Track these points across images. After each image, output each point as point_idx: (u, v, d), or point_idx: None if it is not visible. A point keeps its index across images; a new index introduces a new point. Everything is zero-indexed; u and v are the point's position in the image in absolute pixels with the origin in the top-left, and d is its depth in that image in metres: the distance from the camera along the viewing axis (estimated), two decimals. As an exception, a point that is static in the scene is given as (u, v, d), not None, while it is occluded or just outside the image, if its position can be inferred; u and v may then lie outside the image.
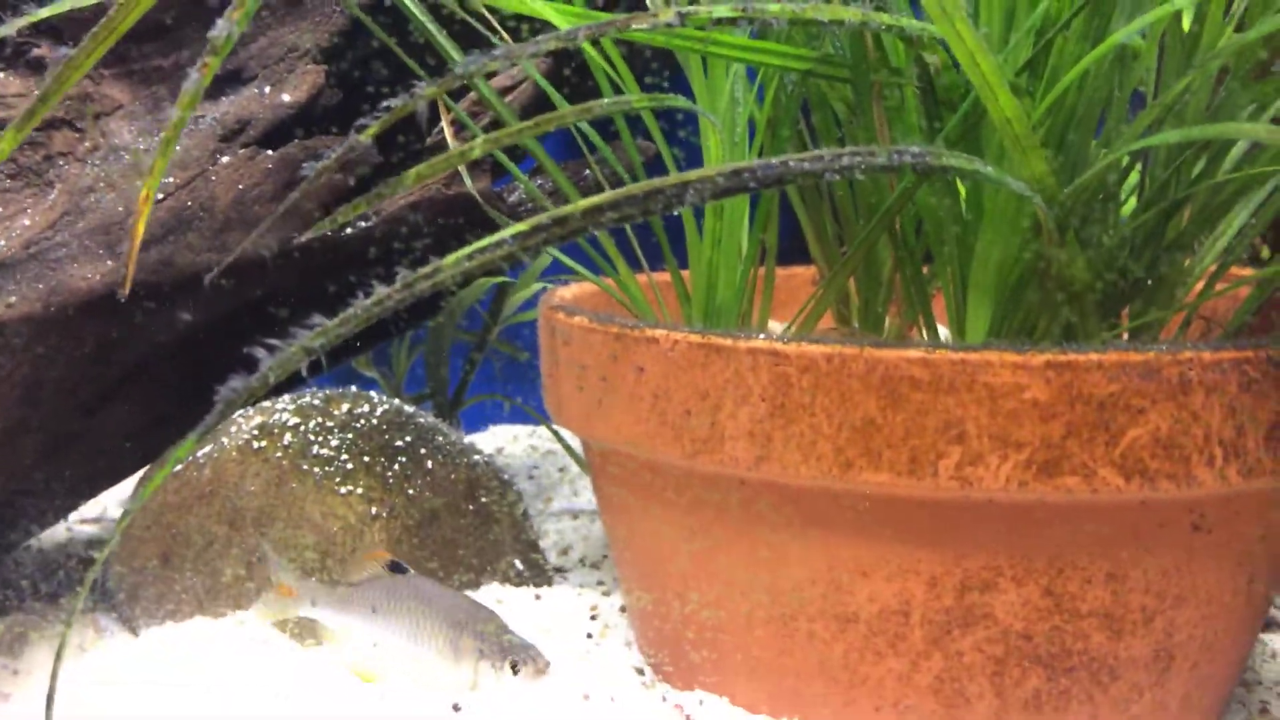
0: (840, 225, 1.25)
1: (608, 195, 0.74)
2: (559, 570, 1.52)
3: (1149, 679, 0.99)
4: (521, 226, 0.75)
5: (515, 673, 0.98)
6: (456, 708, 1.00)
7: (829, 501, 0.96)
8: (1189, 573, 0.96)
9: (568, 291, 1.29)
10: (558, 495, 1.87)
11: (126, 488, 1.70)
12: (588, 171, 1.46)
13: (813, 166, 0.76)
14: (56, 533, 1.60)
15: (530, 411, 1.69)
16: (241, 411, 1.28)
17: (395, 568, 1.07)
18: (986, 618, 0.96)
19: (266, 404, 1.29)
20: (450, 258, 0.76)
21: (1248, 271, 1.40)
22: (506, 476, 1.43)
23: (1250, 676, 1.22)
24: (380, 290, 0.77)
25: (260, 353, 0.76)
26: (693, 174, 0.74)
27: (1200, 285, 1.15)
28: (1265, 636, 1.32)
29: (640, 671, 1.19)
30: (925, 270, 1.15)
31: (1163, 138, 0.92)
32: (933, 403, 0.89)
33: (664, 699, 1.08)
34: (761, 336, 0.95)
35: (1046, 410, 0.88)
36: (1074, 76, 0.96)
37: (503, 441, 2.19)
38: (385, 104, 0.93)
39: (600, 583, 1.44)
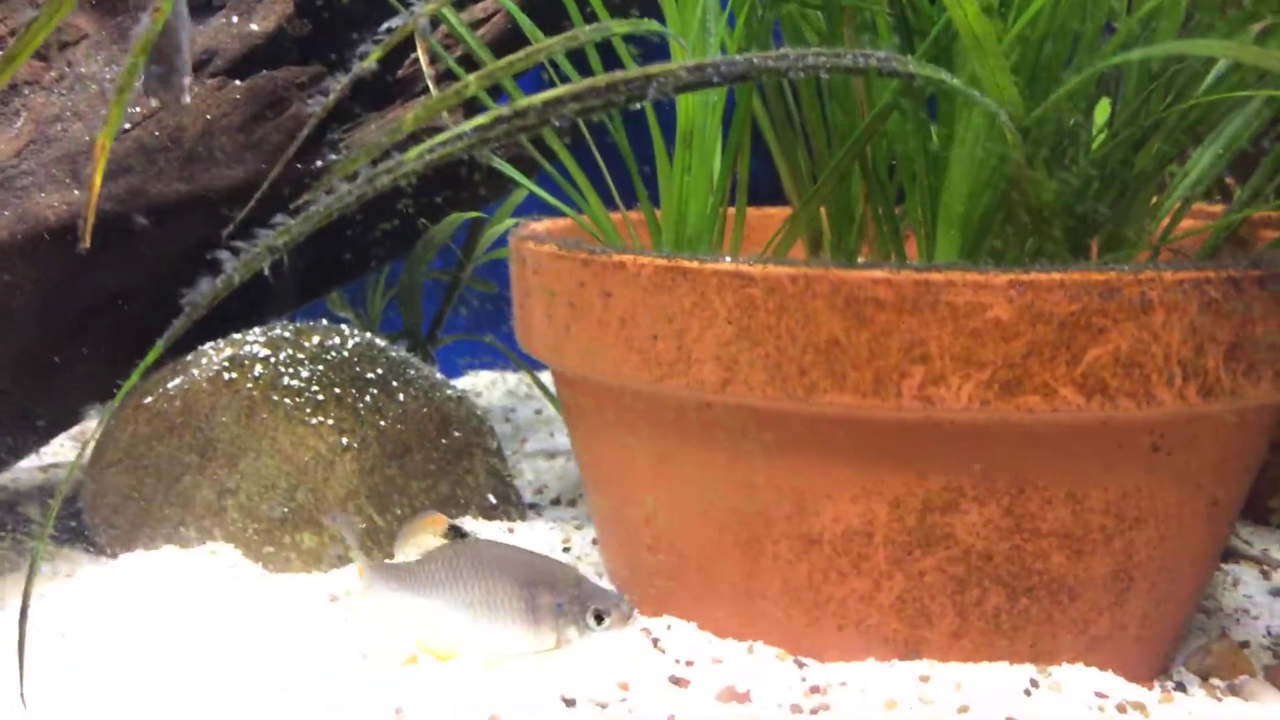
0: (815, 163, 1.25)
1: (569, 87, 0.74)
2: (533, 508, 1.53)
3: (1108, 599, 1.00)
4: (481, 119, 0.75)
5: (600, 623, 0.94)
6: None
7: (794, 423, 0.97)
8: (1148, 494, 0.97)
9: (541, 226, 1.29)
10: (534, 437, 1.88)
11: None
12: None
13: (777, 64, 0.75)
14: (33, 476, 1.60)
15: (506, 352, 1.69)
16: (212, 343, 1.28)
17: (455, 532, 1.02)
18: (948, 538, 0.97)
19: (237, 336, 1.29)
20: (412, 151, 0.76)
21: (1218, 209, 1.41)
22: (480, 411, 1.44)
23: (1211, 604, 1.24)
24: (342, 187, 0.77)
25: (224, 255, 0.76)
26: (655, 68, 0.73)
27: (1168, 219, 1.16)
28: (1228, 566, 1.34)
29: (610, 599, 1.20)
30: (898, 210, 1.15)
31: (1128, 56, 0.92)
32: (896, 323, 0.90)
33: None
34: (727, 259, 0.95)
35: (1008, 329, 0.89)
36: (1044, 1, 0.96)
37: (481, 386, 2.19)
38: (385, 27, 0.91)
39: (575, 519, 1.45)
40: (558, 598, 0.95)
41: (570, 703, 0.92)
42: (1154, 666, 1.07)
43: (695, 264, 0.96)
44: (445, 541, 1.01)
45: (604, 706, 0.92)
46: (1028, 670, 0.98)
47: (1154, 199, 1.16)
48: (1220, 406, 0.93)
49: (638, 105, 0.76)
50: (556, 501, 1.57)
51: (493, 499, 1.40)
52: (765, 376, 0.94)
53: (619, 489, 1.14)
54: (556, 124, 0.75)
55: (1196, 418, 0.94)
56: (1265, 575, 1.31)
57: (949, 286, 0.89)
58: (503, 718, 0.88)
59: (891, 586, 1.00)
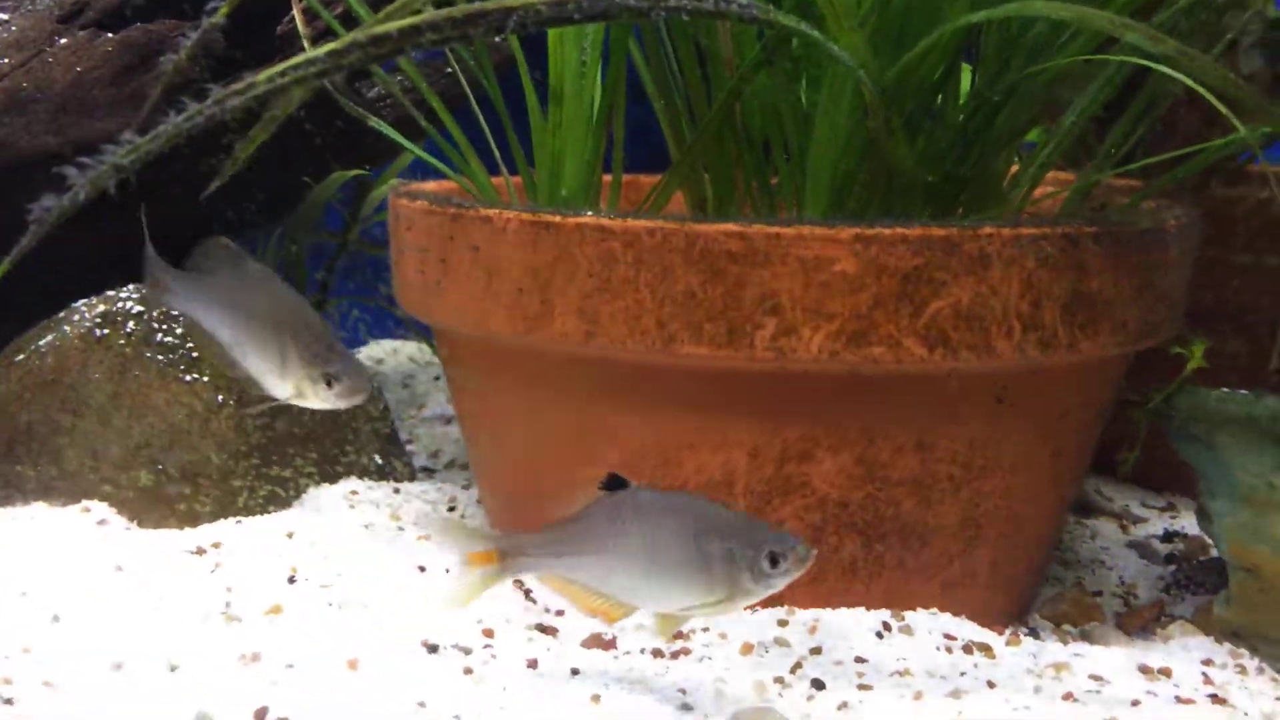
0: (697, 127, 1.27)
1: (426, 16, 0.74)
2: (428, 470, 1.53)
3: (958, 546, 1.04)
4: (335, 45, 0.75)
5: (776, 566, 0.85)
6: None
7: (656, 375, 0.99)
8: (994, 444, 1.01)
9: (429, 187, 1.29)
10: (431, 403, 1.88)
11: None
12: (449, 70, 1.45)
13: (637, 4, 0.77)
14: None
15: (396, 312, 1.69)
16: (85, 300, 1.26)
17: (613, 483, 0.89)
18: (804, 486, 1.00)
19: (110, 293, 1.27)
20: (263, 74, 0.76)
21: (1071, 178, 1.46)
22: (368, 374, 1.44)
23: (1070, 556, 1.29)
24: (193, 106, 0.77)
25: (72, 172, 0.75)
26: (516, 1, 0.74)
27: (1028, 185, 1.20)
28: (1090, 521, 1.40)
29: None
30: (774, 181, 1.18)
31: (969, 18, 0.95)
32: (749, 276, 0.92)
33: (503, 575, 1.11)
34: (589, 213, 0.96)
35: (855, 282, 0.92)
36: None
37: (382, 354, 2.18)
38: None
39: (465, 481, 1.46)
40: (729, 543, 0.86)
41: (433, 649, 0.93)
42: (1008, 612, 1.12)
43: (558, 218, 0.97)
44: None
45: (467, 652, 0.94)
46: (883, 615, 1.02)
47: (1014, 164, 1.20)
48: (1059, 359, 0.97)
49: (499, 38, 0.76)
50: (451, 465, 1.58)
51: (378, 460, 1.40)
52: (626, 329, 0.96)
53: (494, 442, 1.16)
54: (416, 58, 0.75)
55: (1038, 370, 0.99)
56: (1124, 529, 1.38)
57: (799, 240, 0.92)
58: (362, 663, 0.89)
59: (751, 535, 1.02)
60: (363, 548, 1.11)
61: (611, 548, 0.87)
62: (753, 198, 1.19)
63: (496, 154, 1.27)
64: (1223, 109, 0.95)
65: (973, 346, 0.94)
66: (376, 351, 2.16)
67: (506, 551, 0.88)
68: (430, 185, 1.29)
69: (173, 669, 0.86)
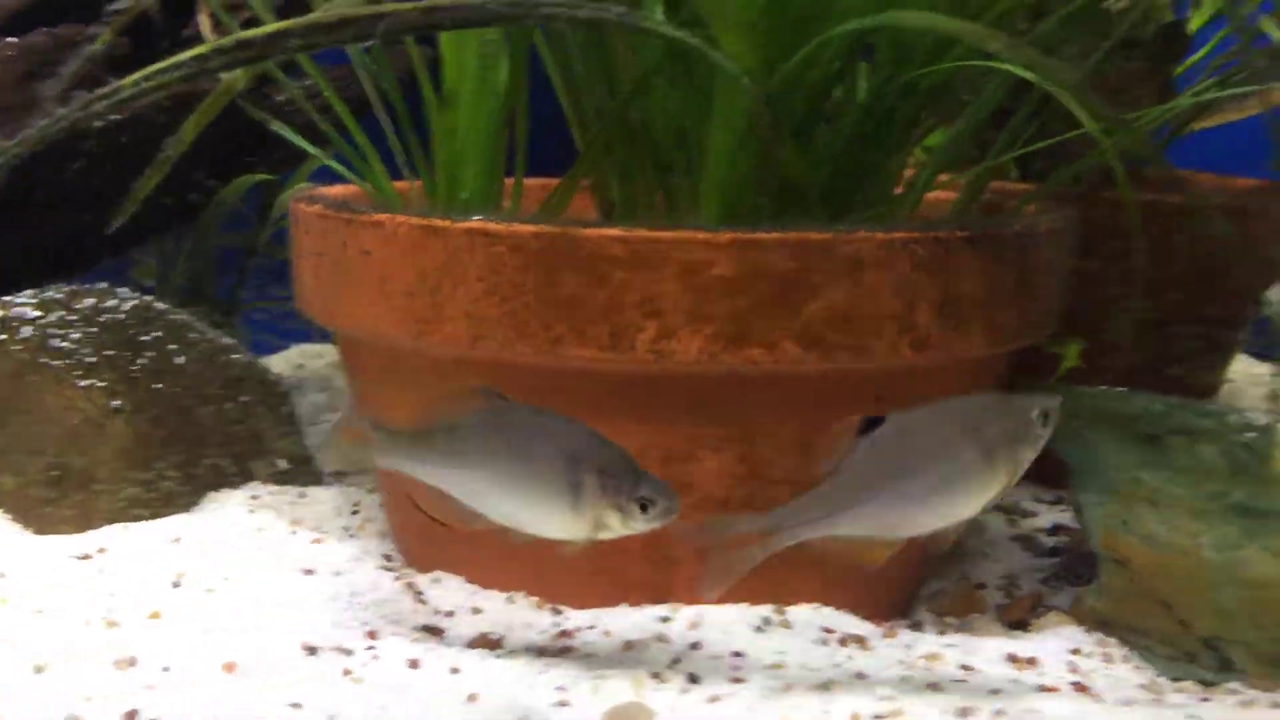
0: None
1: (296, 20, 0.75)
2: (341, 474, 1.53)
3: (839, 543, 1.07)
4: (202, 49, 0.76)
5: (644, 511, 0.84)
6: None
7: (544, 377, 1.01)
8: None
9: (334, 191, 1.29)
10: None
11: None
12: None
13: (509, 11, 0.78)
14: None
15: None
16: (-21, 305, 1.25)
17: (490, 395, 0.87)
18: (688, 486, 1.02)
19: (7, 298, 1.26)
20: (128, 79, 0.76)
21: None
22: (273, 377, 1.44)
23: (957, 549, 1.33)
24: (60, 110, 0.77)
25: None
26: (387, 7, 0.75)
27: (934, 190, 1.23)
28: (979, 515, 1.44)
29: (389, 558, 1.23)
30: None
31: (844, 27, 0.98)
32: (631, 279, 0.95)
33: (396, 578, 1.12)
34: (476, 217, 0.98)
35: (733, 286, 0.94)
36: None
37: (304, 359, 2.18)
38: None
39: (374, 485, 1.47)
40: (602, 478, 0.84)
41: (312, 651, 0.94)
42: (894, 607, 1.15)
43: (446, 222, 0.99)
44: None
45: (349, 654, 0.95)
46: (765, 610, 1.05)
47: (907, 168, 1.23)
48: (933, 359, 1.00)
49: (367, 44, 0.77)
50: (366, 470, 1.58)
51: (284, 463, 1.40)
52: (513, 332, 0.98)
53: (391, 447, 1.16)
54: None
55: (914, 370, 1.02)
56: (1012, 523, 1.42)
57: (679, 245, 0.94)
58: (239, 666, 0.90)
59: (639, 535, 1.04)
60: (252, 552, 1.12)
61: (484, 462, 0.85)
62: (654, 203, 1.21)
63: (403, 157, 1.28)
64: (1082, 115, 0.99)
65: (848, 348, 0.97)
66: (296, 356, 2.15)
67: (380, 441, 0.88)
68: (333, 189, 1.29)
69: (39, 670, 0.86)
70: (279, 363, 2.09)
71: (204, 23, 1.32)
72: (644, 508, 0.85)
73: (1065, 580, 1.26)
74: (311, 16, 0.75)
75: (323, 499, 1.38)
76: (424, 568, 1.17)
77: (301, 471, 1.42)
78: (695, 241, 0.94)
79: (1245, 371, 1.91)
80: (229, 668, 0.90)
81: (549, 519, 0.86)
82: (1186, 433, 1.06)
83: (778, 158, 1.05)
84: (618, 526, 0.86)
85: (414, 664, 0.94)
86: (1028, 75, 0.93)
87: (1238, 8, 1.61)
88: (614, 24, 0.83)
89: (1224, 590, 1.03)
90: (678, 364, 0.96)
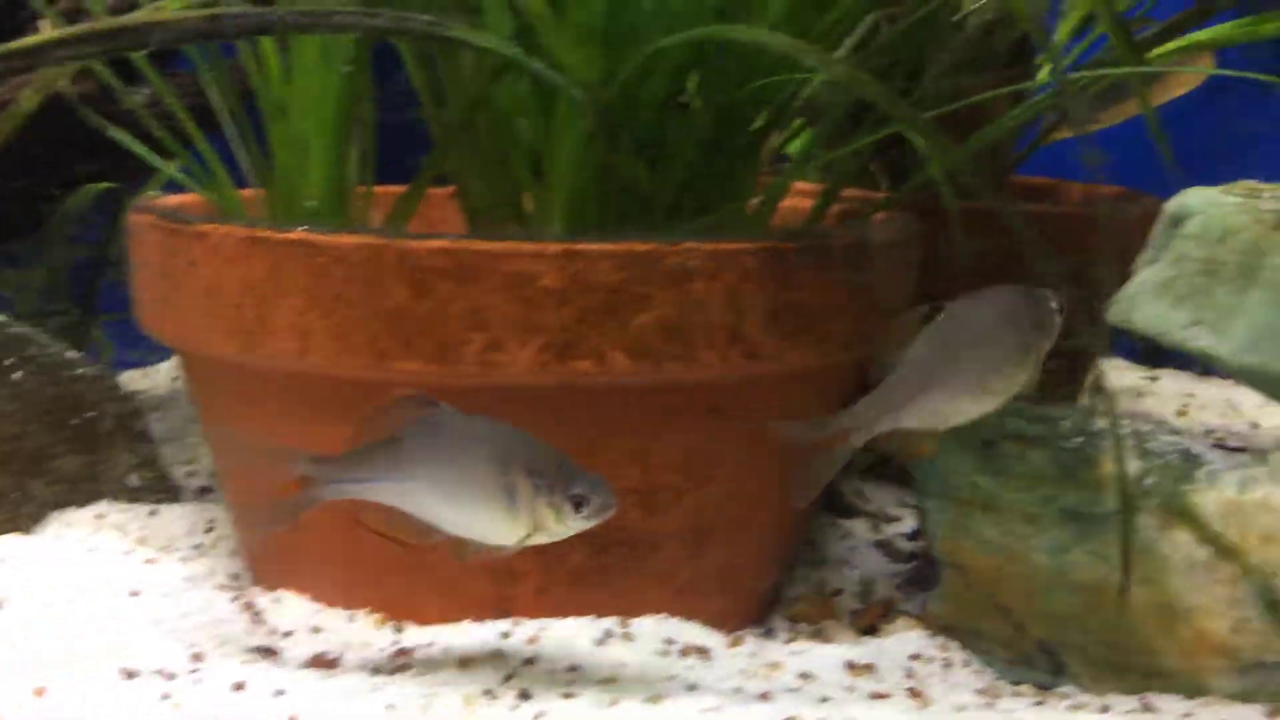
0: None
1: (67, 30, 0.73)
2: (206, 490, 1.49)
3: (685, 553, 1.07)
4: None
5: (579, 511, 0.84)
6: None
7: (375, 390, 0.99)
8: (713, 453, 1.05)
9: (166, 201, 1.26)
10: (219, 420, 1.83)
11: None
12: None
13: (298, 20, 0.77)
14: None
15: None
16: None
17: (422, 403, 0.86)
18: (528, 499, 1.02)
19: None
20: None
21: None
22: (124, 392, 1.39)
23: (818, 556, 1.34)
24: None
25: None
26: (168, 15, 0.73)
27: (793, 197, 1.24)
28: (846, 522, 1.45)
29: (236, 577, 1.20)
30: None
31: (672, 39, 0.98)
32: (457, 291, 0.93)
33: (235, 598, 1.10)
34: (300, 228, 0.96)
35: (561, 297, 0.94)
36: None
37: (172, 372, 2.12)
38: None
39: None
40: (536, 479, 0.84)
41: (131, 675, 0.91)
42: (746, 615, 1.16)
43: (269, 234, 0.97)
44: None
45: (171, 677, 0.92)
46: (608, 622, 1.04)
47: (760, 177, 1.24)
48: (765, 369, 1.01)
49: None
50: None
51: (136, 480, 1.36)
52: (338, 346, 0.96)
53: (230, 462, 1.14)
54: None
55: (750, 380, 1.02)
56: (875, 528, 1.44)
57: (505, 256, 0.93)
58: (50, 691, 0.87)
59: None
60: (81, 574, 1.08)
61: (423, 473, 0.85)
62: (517, 212, 1.20)
63: (248, 165, 1.25)
64: (914, 134, 1.00)
65: (678, 358, 0.97)
66: (164, 369, 2.10)
67: (318, 471, 0.86)
68: (174, 199, 1.26)
69: None
70: (156, 376, 2.04)
71: (50, 27, 1.27)
72: (578, 506, 0.85)
73: (918, 585, 1.27)
74: (83, 26, 0.73)
75: (175, 516, 1.34)
76: (269, 586, 1.15)
77: (155, 488, 1.38)
78: (521, 253, 0.93)
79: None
80: (39, 692, 0.86)
81: (489, 524, 0.86)
82: (1019, 438, 1.08)
83: (618, 169, 1.05)
84: (554, 526, 0.86)
85: (239, 686, 0.92)
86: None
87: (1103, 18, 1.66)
88: (420, 34, 0.82)
89: (1055, 594, 1.05)
90: (507, 376, 0.95)
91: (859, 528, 1.43)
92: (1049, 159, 1.78)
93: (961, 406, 0.90)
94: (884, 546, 1.37)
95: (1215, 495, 0.98)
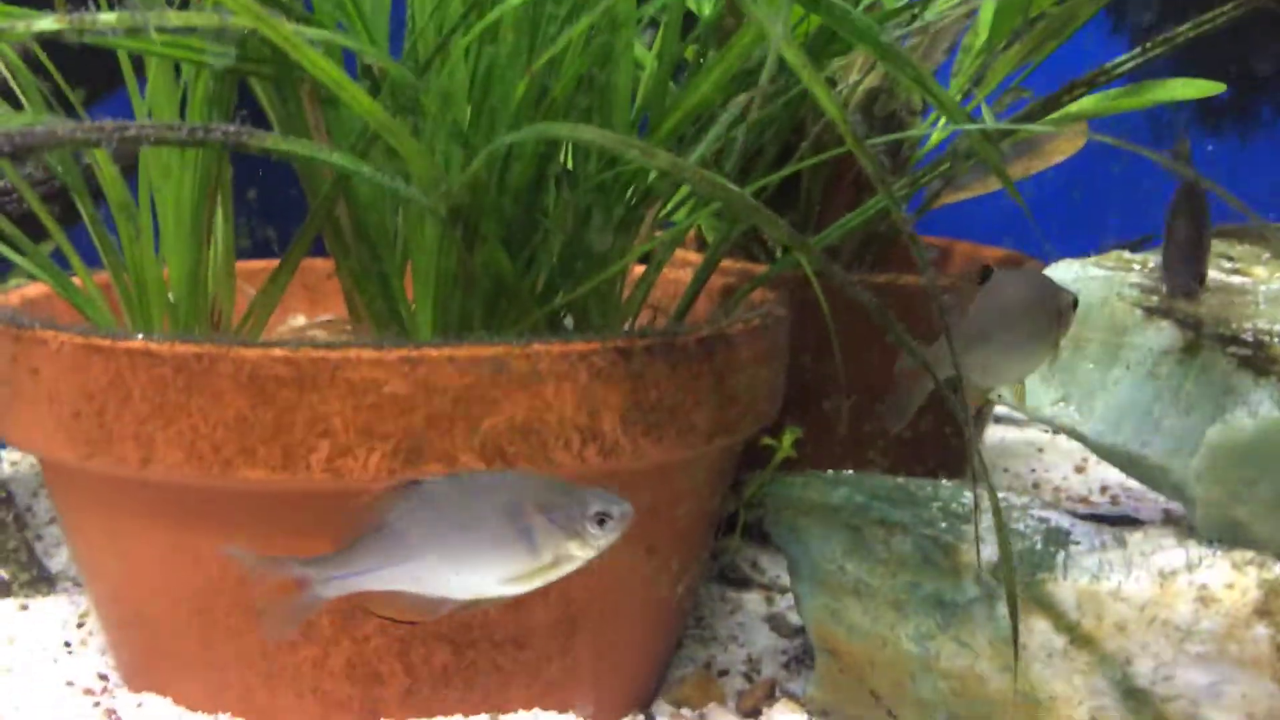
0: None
1: None
2: (79, 584, 1.45)
3: (555, 645, 1.06)
4: None
5: (603, 526, 0.84)
6: None
7: (222, 497, 0.97)
8: (577, 547, 1.03)
9: (10, 298, 1.22)
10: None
11: None
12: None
13: (87, 135, 0.75)
14: None
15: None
16: None
17: (406, 486, 0.84)
18: (387, 599, 1.00)
19: None
20: None
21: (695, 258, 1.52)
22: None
23: (707, 633, 1.33)
24: None
25: None
26: None
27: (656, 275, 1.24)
28: (739, 594, 1.45)
29: (104, 677, 1.17)
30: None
31: (517, 135, 0.98)
32: (300, 399, 0.92)
33: (96, 704, 1.07)
34: (140, 336, 0.94)
35: (406, 403, 0.92)
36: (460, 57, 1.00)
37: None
38: None
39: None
40: (550, 513, 0.83)
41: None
42: (625, 703, 1.14)
43: (108, 342, 0.94)
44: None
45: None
46: (482, 718, 1.03)
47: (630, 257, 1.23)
48: (625, 465, 1.00)
49: None
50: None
51: (3, 574, 1.32)
52: (182, 454, 0.94)
53: (90, 565, 1.11)
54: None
55: (608, 475, 1.01)
56: (769, 601, 1.43)
57: (346, 364, 0.92)
58: None
59: (340, 652, 1.01)
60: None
61: (425, 548, 0.83)
62: (391, 306, 1.18)
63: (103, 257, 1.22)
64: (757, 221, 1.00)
65: (531, 459, 0.96)
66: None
67: (316, 574, 0.83)
68: (27, 290, 1.23)
69: None
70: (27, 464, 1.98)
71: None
72: (602, 522, 0.85)
73: (804, 664, 1.27)
74: None
75: (46, 611, 1.31)
76: (135, 688, 1.12)
77: (27, 580, 1.35)
78: (362, 360, 0.91)
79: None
80: None
81: (511, 575, 0.85)
82: (884, 524, 1.08)
83: (476, 263, 1.04)
84: (580, 552, 0.86)
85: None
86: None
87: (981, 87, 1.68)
88: (222, 144, 0.80)
89: (922, 680, 1.05)
90: (356, 482, 0.93)
91: (751, 601, 1.43)
92: (960, 215, 1.80)
93: (1007, 363, 1.00)
94: (773, 621, 1.37)
95: (1070, 584, 0.99)
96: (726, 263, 1.54)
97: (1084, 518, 1.14)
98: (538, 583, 0.85)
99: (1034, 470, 1.84)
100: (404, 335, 1.15)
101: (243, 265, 1.26)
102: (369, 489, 0.94)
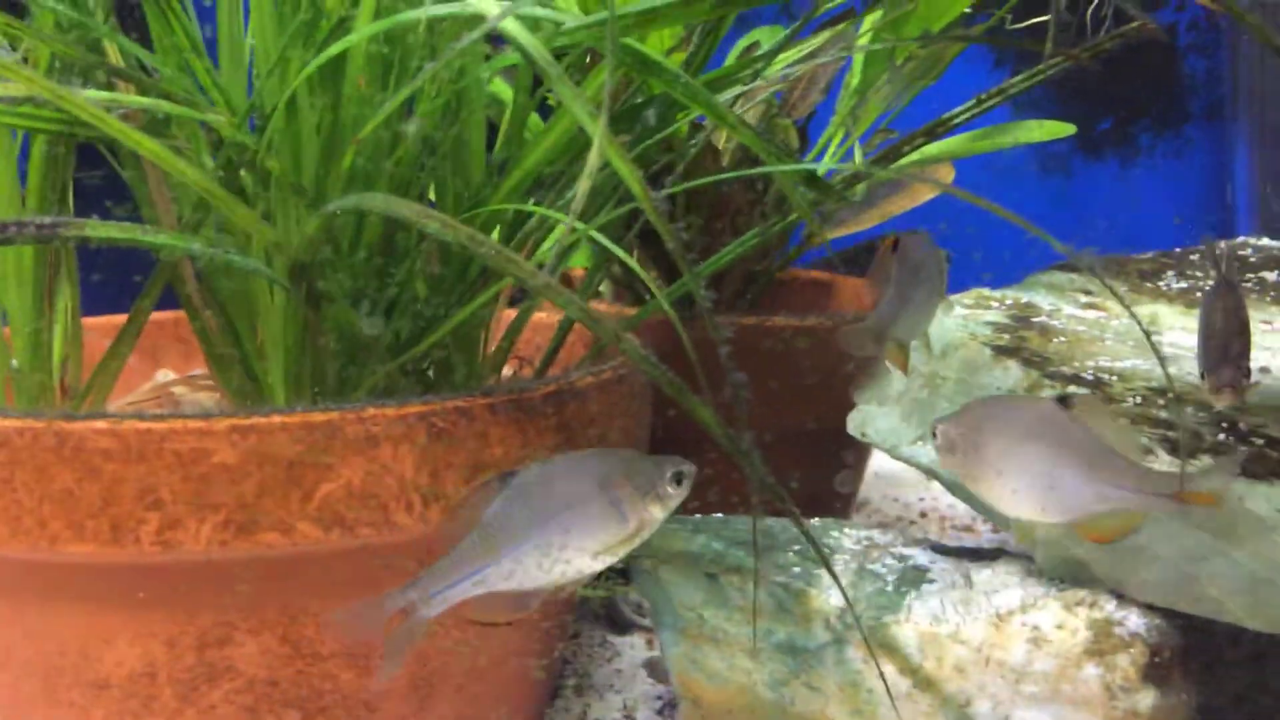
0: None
1: None
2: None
3: (410, 707, 1.05)
4: None
5: (680, 484, 0.89)
6: None
7: (54, 572, 0.95)
8: (429, 607, 1.03)
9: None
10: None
11: None
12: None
13: None
14: None
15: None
16: None
17: (491, 485, 0.87)
18: (230, 670, 0.98)
19: None
20: None
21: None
22: None
23: (584, 681, 1.33)
24: None
25: None
26: None
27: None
28: (622, 639, 1.45)
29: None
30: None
31: (324, 209, 0.98)
32: (126, 471, 0.90)
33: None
34: (-39, 411, 0.92)
35: (237, 472, 0.91)
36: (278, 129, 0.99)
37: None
38: None
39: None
40: (633, 481, 0.88)
41: None
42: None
43: (-73, 418, 0.92)
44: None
45: None
46: (337, 785, 1.01)
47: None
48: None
49: None
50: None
51: None
52: (7, 530, 0.92)
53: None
54: None
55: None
56: (650, 644, 1.43)
57: (172, 435, 0.90)
58: None
59: (195, 726, 1.00)
60: None
61: (523, 537, 0.86)
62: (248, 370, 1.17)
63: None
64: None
65: (371, 523, 0.95)
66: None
67: (411, 601, 0.85)
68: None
69: None
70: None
71: None
72: (679, 481, 0.90)
73: (678, 710, 1.27)
74: None
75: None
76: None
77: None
78: (189, 431, 0.90)
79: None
80: None
81: (606, 546, 0.89)
82: (739, 571, 1.09)
83: (314, 324, 1.03)
84: (659, 514, 0.90)
85: None
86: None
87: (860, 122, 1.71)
88: (34, 238, 0.79)
89: (778, 726, 1.06)
90: (189, 554, 0.92)
91: (631, 646, 1.43)
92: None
93: (918, 317, 1.06)
94: (651, 666, 1.37)
95: (913, 627, 1.00)
96: (605, 307, 1.56)
97: (946, 552, 1.16)
98: (623, 552, 0.89)
99: (923, 499, 1.86)
100: (259, 396, 1.14)
101: (100, 322, 1.24)
102: (205, 559, 0.93)
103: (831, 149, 1.70)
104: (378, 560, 0.99)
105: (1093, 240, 2.16)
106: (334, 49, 0.96)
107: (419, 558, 1.01)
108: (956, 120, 1.21)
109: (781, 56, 1.40)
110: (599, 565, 0.89)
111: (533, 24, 0.90)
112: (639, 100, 1.17)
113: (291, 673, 0.99)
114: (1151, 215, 2.21)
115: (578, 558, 0.88)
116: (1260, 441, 1.01)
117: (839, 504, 1.67)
